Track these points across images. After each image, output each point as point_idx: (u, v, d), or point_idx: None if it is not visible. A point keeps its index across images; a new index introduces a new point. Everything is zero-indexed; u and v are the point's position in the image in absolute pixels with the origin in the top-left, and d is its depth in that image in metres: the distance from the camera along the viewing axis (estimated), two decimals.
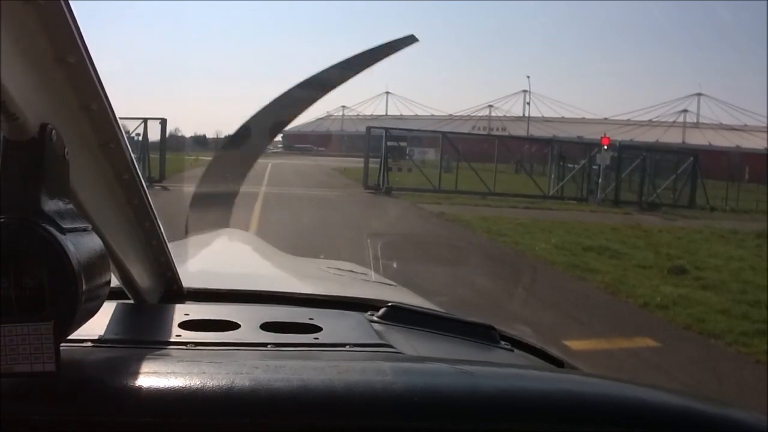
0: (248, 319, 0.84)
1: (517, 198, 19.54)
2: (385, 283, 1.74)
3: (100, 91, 0.58)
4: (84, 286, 0.52)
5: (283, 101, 2.35)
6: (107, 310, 0.78)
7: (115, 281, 0.71)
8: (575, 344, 4.87)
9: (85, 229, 0.57)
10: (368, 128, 23.01)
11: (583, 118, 70.43)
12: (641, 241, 11.15)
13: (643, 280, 7.65)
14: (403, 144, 22.88)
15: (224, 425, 0.53)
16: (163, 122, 18.42)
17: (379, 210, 14.41)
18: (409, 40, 2.12)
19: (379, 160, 20.59)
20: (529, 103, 73.89)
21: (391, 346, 0.81)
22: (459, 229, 12.01)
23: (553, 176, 23.11)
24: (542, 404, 0.59)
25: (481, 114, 73.88)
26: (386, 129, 23.14)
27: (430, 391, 0.58)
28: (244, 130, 2.45)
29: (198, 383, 0.55)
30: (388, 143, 21.48)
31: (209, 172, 2.49)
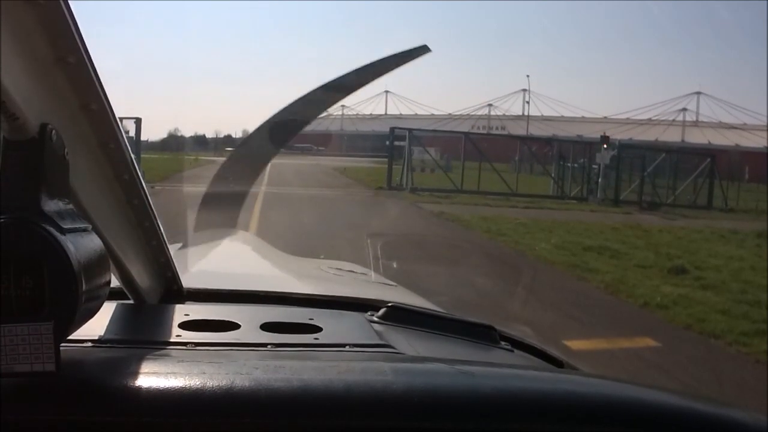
0: (248, 319, 0.84)
1: (536, 199, 19.56)
2: (385, 283, 1.74)
3: (100, 91, 0.58)
4: (84, 286, 0.52)
5: (302, 102, 2.38)
6: (107, 310, 0.78)
7: (115, 281, 0.71)
8: (575, 344, 4.87)
9: (85, 229, 0.57)
10: (392, 129, 23.07)
11: (583, 117, 70.53)
12: (641, 241, 11.15)
13: (643, 280, 7.64)
14: (400, 144, 22.94)
15: (224, 425, 0.53)
16: (138, 121, 18.40)
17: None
18: (422, 50, 2.16)
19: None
20: (528, 102, 74.01)
21: (391, 347, 0.81)
22: (460, 228, 12.00)
23: (554, 176, 23.17)
24: (542, 404, 0.59)
25: (480, 113, 73.97)
26: (409, 130, 23.23)
27: (430, 391, 0.58)
28: (264, 129, 2.46)
29: (198, 383, 0.55)
30: (387, 143, 21.60)
31: (224, 170, 2.49)
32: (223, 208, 2.35)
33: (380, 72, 2.34)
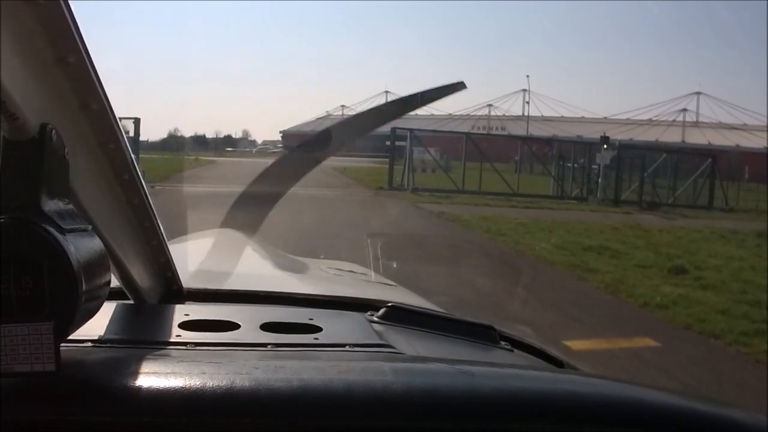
0: (248, 319, 0.84)
1: (536, 199, 19.58)
2: (385, 283, 1.74)
3: (100, 91, 0.58)
4: (84, 286, 0.52)
5: (366, 114, 2.38)
6: (107, 310, 0.78)
7: (115, 281, 0.71)
8: (575, 344, 4.87)
9: (85, 229, 0.57)
10: (393, 129, 22.91)
11: (583, 118, 70.47)
12: (641, 241, 11.15)
13: (643, 280, 7.65)
14: (400, 144, 22.94)
15: (224, 425, 0.53)
16: (137, 121, 18.45)
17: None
18: (459, 86, 2.19)
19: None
20: (528, 102, 74.02)
21: (391, 346, 0.81)
22: (460, 228, 12.00)
23: (554, 175, 23.18)
24: (542, 404, 0.59)
25: (480, 113, 73.95)
26: (410, 130, 23.18)
27: (430, 391, 0.58)
28: (323, 135, 2.45)
29: (198, 383, 0.55)
30: (389, 143, 21.60)
31: (269, 172, 2.47)
32: (254, 211, 2.35)
33: (417, 105, 2.38)
